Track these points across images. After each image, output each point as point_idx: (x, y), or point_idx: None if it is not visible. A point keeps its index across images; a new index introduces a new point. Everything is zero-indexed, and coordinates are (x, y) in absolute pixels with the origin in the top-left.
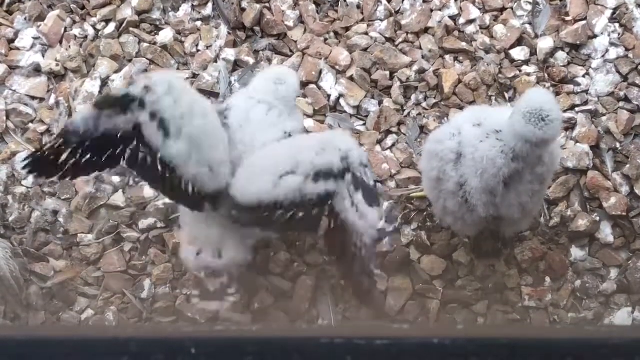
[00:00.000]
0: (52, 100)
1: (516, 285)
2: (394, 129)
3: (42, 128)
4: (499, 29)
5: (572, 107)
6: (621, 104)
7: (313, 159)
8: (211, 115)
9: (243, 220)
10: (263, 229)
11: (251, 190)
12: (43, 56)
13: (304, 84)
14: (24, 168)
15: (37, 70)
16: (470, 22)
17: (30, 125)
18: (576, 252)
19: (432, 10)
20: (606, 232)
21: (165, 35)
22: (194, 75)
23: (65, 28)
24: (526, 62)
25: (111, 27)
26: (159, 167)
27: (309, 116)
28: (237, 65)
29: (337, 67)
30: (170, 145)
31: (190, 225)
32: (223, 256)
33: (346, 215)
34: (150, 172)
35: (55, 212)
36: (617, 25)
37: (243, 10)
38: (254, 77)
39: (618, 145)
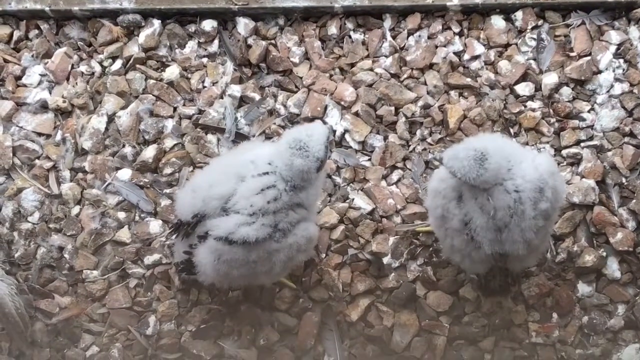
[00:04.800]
0: (58, 137)
1: (523, 322)
2: (400, 164)
3: (49, 164)
4: (503, 64)
5: (578, 143)
6: (626, 139)
7: None
8: None
9: None
10: None
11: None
12: (50, 93)
13: (309, 119)
14: None
15: (43, 106)
16: (475, 58)
17: (37, 161)
18: (583, 288)
19: (436, 47)
20: (613, 268)
21: (172, 72)
22: (200, 111)
23: (72, 65)
24: (531, 98)
25: (118, 64)
26: None
27: None
28: (243, 101)
29: (343, 103)
30: None
31: None
32: None
33: None
34: None
35: (61, 248)
36: (621, 60)
37: (249, 47)
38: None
39: (624, 180)
